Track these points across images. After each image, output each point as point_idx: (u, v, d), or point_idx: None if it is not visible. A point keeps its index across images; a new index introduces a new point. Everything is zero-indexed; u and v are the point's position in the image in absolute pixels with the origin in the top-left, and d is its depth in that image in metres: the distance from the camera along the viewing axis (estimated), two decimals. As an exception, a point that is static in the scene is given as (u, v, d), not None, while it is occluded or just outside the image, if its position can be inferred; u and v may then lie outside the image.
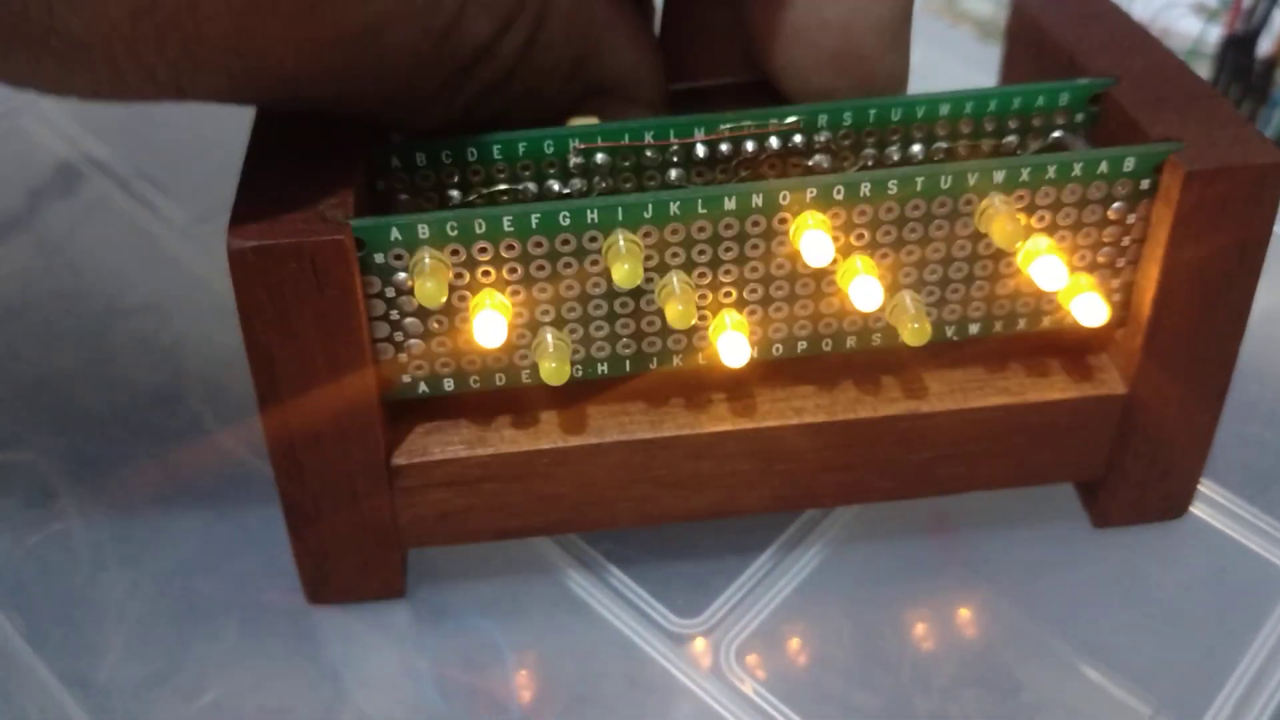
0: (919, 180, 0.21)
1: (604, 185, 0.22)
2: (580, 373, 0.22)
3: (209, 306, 0.30)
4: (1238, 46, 0.37)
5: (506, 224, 0.20)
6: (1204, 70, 0.39)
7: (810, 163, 0.23)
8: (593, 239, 0.20)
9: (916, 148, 0.23)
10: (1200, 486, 0.25)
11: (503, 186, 0.22)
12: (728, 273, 0.21)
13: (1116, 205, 0.21)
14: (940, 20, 0.41)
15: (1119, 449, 0.24)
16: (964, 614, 0.24)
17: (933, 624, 0.24)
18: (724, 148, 0.22)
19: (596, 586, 0.24)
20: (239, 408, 0.28)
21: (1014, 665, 0.23)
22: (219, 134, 0.34)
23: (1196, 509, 0.25)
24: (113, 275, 0.31)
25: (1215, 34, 0.38)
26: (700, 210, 0.20)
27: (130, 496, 0.26)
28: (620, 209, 0.20)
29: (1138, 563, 0.25)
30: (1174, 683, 0.23)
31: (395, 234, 0.20)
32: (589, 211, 0.20)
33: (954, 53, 0.37)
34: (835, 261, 0.21)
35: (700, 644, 0.23)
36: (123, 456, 0.27)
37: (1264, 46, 0.37)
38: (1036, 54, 0.25)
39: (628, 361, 0.22)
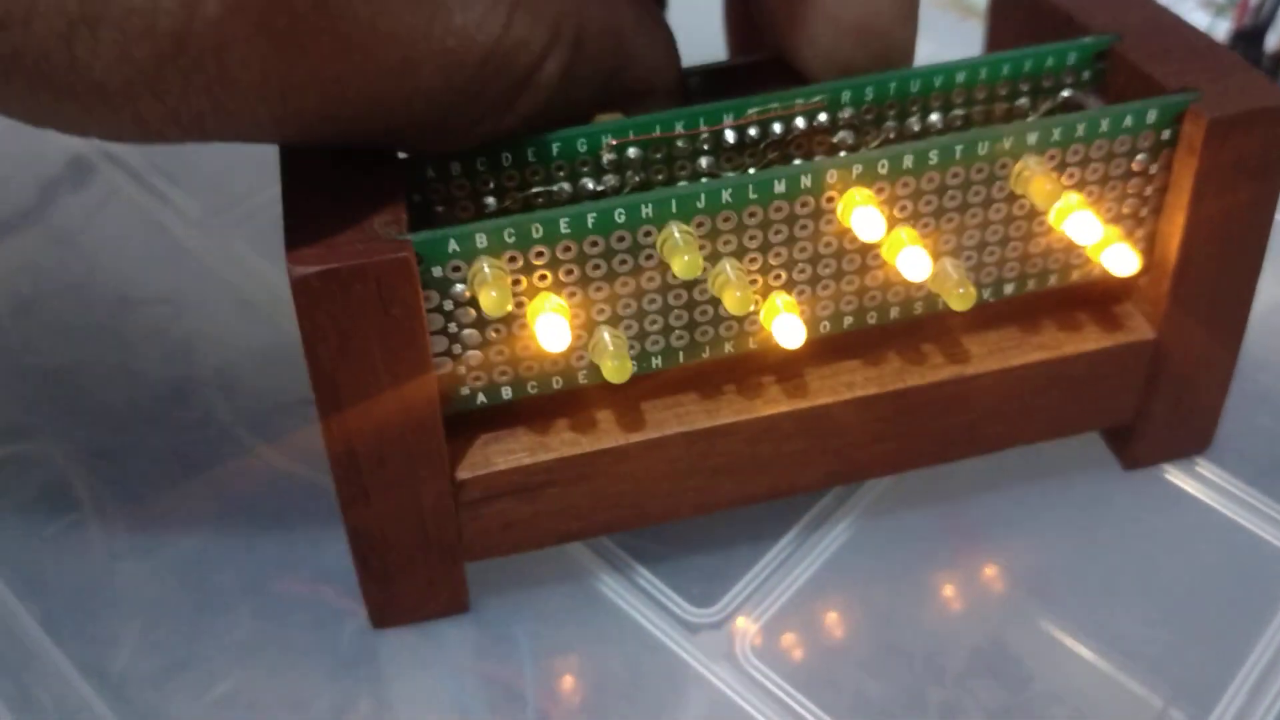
0: (958, 148, 0.21)
1: (637, 179, 0.22)
2: (636, 368, 0.22)
3: (222, 298, 0.30)
4: (1246, 40, 0.37)
5: (564, 226, 0.20)
6: None
7: (835, 139, 0.23)
8: (647, 234, 0.20)
9: (935, 117, 0.23)
10: (1212, 475, 0.26)
11: (538, 189, 0.22)
12: (777, 255, 0.21)
13: (1140, 157, 0.22)
14: (948, 14, 0.41)
15: (1148, 392, 0.24)
16: (976, 603, 0.24)
17: (945, 614, 0.24)
18: (752, 131, 0.22)
19: (617, 581, 0.24)
20: (252, 399, 0.28)
21: (1026, 656, 0.23)
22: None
23: (1208, 498, 0.26)
24: (126, 268, 0.31)
25: (1224, 28, 0.38)
26: (751, 196, 0.20)
27: (145, 488, 0.26)
28: (674, 201, 0.20)
29: (1150, 552, 0.25)
30: (1186, 673, 0.23)
31: (453, 245, 0.19)
32: (643, 206, 0.20)
33: (962, 47, 0.38)
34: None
35: (716, 634, 0.24)
36: (137, 448, 0.27)
37: (1272, 41, 0.37)
38: (1029, 16, 0.25)
39: (681, 353, 0.22)
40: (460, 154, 0.21)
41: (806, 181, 0.20)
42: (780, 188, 0.20)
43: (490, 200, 0.22)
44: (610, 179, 0.22)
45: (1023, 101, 0.24)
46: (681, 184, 0.21)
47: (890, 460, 0.24)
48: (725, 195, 0.20)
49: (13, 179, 0.33)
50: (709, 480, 0.23)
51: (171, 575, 0.25)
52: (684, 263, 0.20)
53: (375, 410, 0.20)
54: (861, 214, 0.20)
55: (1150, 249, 0.23)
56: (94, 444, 0.27)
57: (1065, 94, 0.24)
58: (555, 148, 0.22)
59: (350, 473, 0.21)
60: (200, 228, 0.31)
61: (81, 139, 0.33)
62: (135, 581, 0.24)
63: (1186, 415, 0.25)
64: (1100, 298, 0.24)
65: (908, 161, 0.21)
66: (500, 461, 0.22)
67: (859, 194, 0.21)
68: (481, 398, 0.21)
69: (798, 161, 0.22)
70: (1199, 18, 0.40)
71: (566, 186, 0.22)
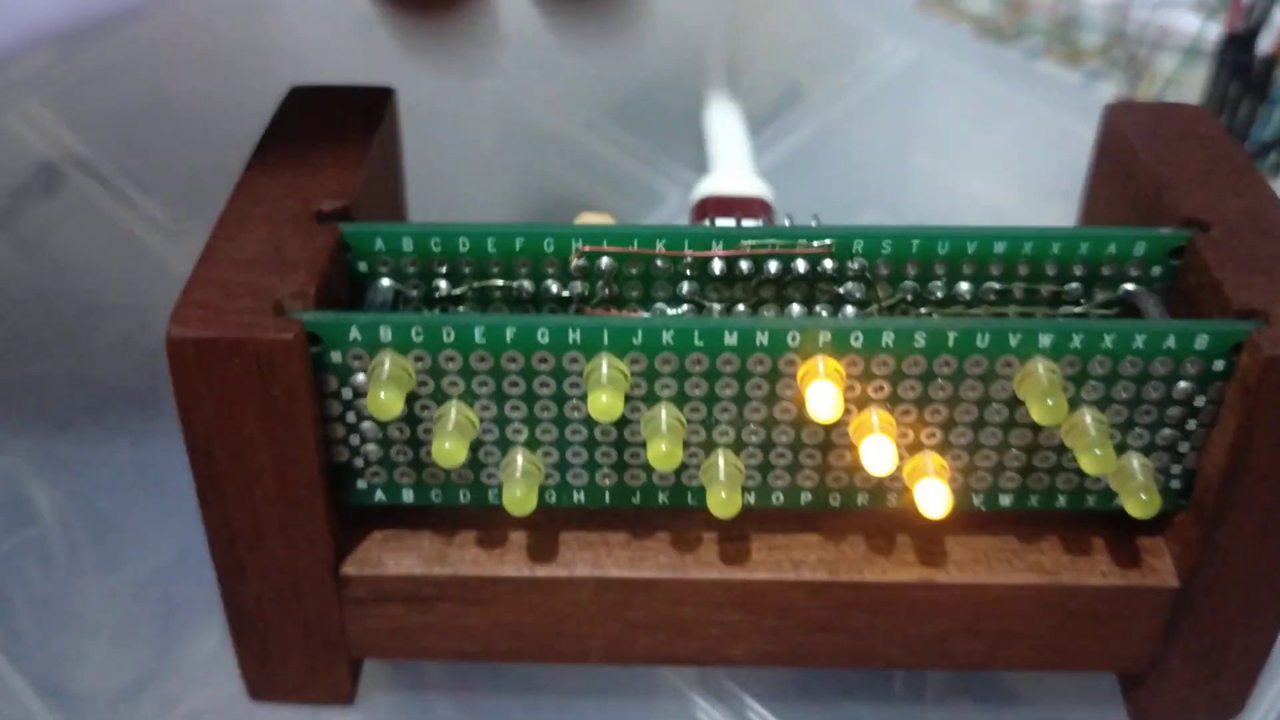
0: (951, 335, 0.18)
1: (607, 291, 0.20)
2: (554, 499, 0.20)
3: None
4: (1237, 44, 0.36)
5: (478, 335, 0.18)
6: (1203, 69, 0.37)
7: (841, 290, 0.20)
8: (574, 360, 0.18)
9: (964, 286, 0.20)
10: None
11: (498, 283, 0.20)
12: (725, 411, 0.19)
13: (1182, 385, 0.19)
14: (937, 17, 0.40)
15: (1167, 645, 0.21)
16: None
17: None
18: (744, 265, 0.20)
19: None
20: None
21: None
22: (201, 132, 0.34)
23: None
24: (94, 275, 0.31)
25: (1215, 31, 0.37)
26: (696, 343, 0.18)
27: (109, 501, 0.26)
28: (606, 332, 0.18)
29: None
30: None
31: (355, 334, 0.18)
32: (570, 331, 0.18)
33: (951, 50, 0.36)
34: (848, 412, 0.19)
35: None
36: (101, 459, 0.27)
37: (1264, 44, 0.36)
38: (1124, 177, 0.22)
39: (607, 493, 0.20)
40: (415, 230, 0.20)
41: (762, 339, 0.18)
42: (731, 340, 0.18)
43: (442, 284, 0.20)
44: (578, 286, 0.20)
45: (1074, 287, 0.20)
46: (617, 315, 0.19)
47: (841, 653, 0.21)
48: (666, 336, 0.18)
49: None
50: (623, 631, 0.21)
51: (135, 591, 0.24)
52: (601, 404, 0.18)
53: (253, 487, 0.19)
54: (818, 388, 0.18)
55: (1189, 486, 0.20)
56: (56, 455, 0.26)
57: (1127, 288, 0.20)
58: (518, 243, 0.20)
59: (226, 546, 0.19)
60: (169, 234, 0.31)
61: (49, 145, 0.33)
62: (98, 597, 0.24)
63: (1213, 677, 0.21)
64: (1127, 524, 0.21)
65: (887, 338, 0.18)
66: (391, 565, 0.20)
67: (824, 364, 0.18)
68: (381, 495, 0.20)
69: (756, 313, 0.20)
70: (1190, 20, 0.39)
71: (528, 285, 0.20)
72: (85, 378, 0.28)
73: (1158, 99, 0.38)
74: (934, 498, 0.19)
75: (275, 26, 0.38)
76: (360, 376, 0.18)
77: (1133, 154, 0.22)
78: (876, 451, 0.18)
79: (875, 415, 0.19)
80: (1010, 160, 0.34)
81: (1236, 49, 0.36)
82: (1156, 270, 0.20)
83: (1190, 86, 0.39)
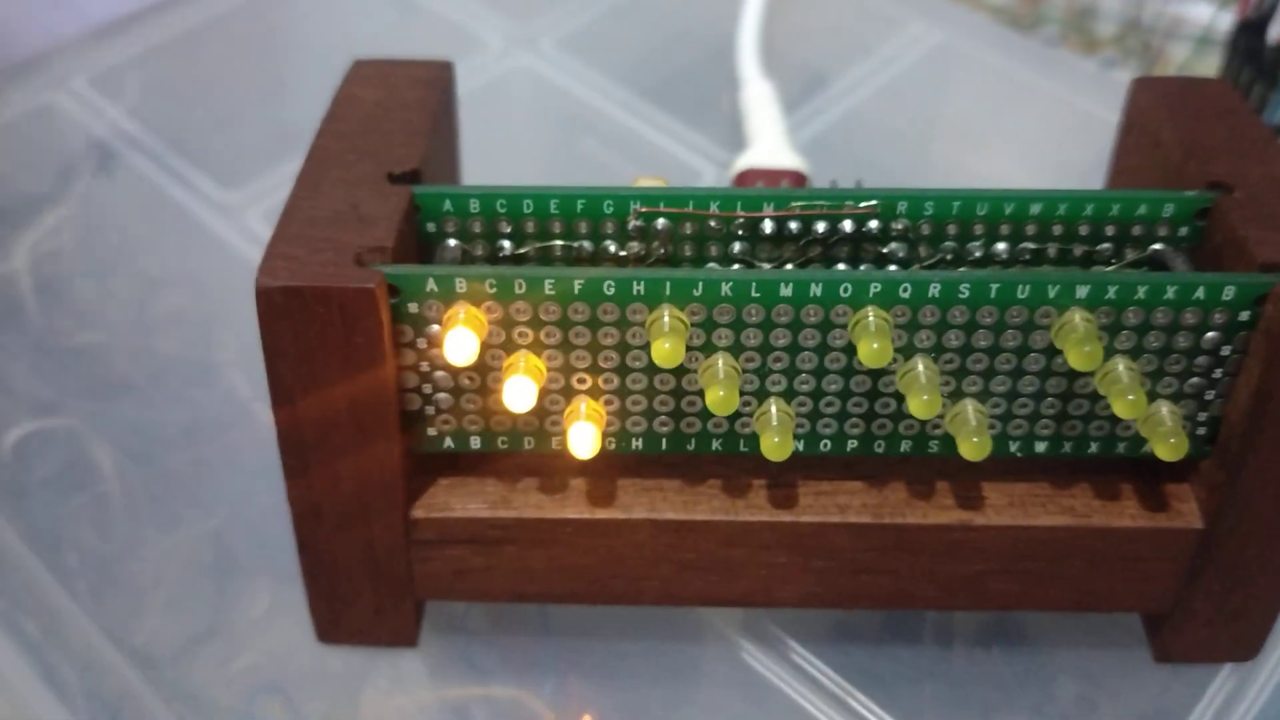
0: (994, 287, 0.19)
1: (663, 251, 0.21)
2: (614, 445, 0.21)
3: (242, 280, 0.30)
4: (1249, 32, 0.36)
5: (548, 287, 0.19)
6: (1216, 57, 0.39)
7: (885, 250, 0.21)
8: (636, 312, 0.19)
9: (1001, 246, 0.21)
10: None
11: (558, 243, 0.21)
12: (778, 360, 0.20)
13: (1210, 335, 0.20)
14: (959, 5, 0.41)
15: (1190, 585, 0.22)
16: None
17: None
18: (793, 225, 0.21)
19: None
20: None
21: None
22: (251, 108, 0.35)
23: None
24: (148, 250, 0.32)
25: (1227, 20, 0.38)
26: (754, 294, 0.19)
27: (168, 462, 0.27)
28: (668, 283, 0.19)
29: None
30: None
31: (431, 285, 0.19)
32: (635, 283, 0.19)
33: (972, 38, 0.37)
34: (895, 361, 0.20)
35: None
36: (160, 423, 0.28)
37: (1275, 32, 0.36)
38: (1151, 146, 0.23)
39: (664, 440, 0.21)
40: (481, 192, 0.21)
41: (816, 290, 0.19)
42: (786, 291, 0.19)
43: (506, 244, 0.21)
44: (635, 246, 0.21)
45: (1105, 247, 0.21)
46: (681, 269, 0.20)
47: (885, 594, 0.22)
48: (725, 288, 0.19)
49: (36, 164, 0.34)
50: (676, 572, 0.22)
51: (194, 547, 0.25)
52: (664, 350, 0.19)
53: (333, 433, 0.20)
54: (869, 337, 0.19)
55: (1215, 433, 0.21)
56: (118, 418, 0.28)
57: (1155, 247, 0.21)
58: (580, 204, 0.21)
59: (303, 490, 0.20)
60: (220, 209, 0.32)
61: (100, 124, 0.34)
62: (158, 552, 0.25)
63: (1233, 618, 0.22)
64: (1155, 471, 0.22)
65: (934, 290, 0.19)
66: (458, 508, 0.21)
67: (873, 314, 0.19)
68: (449, 443, 0.21)
69: (814, 268, 0.21)
70: (1203, 10, 0.40)
71: (587, 245, 0.21)
72: (142, 347, 0.29)
73: (1172, 85, 0.39)
74: (977, 446, 0.20)
75: (320, 10, 0.39)
76: (435, 327, 0.19)
77: (1159, 124, 0.23)
78: (924, 398, 0.19)
79: (921, 363, 0.20)
80: (1032, 142, 0.35)
81: (1249, 36, 0.37)
82: (1184, 231, 0.21)
83: (1203, 74, 0.40)
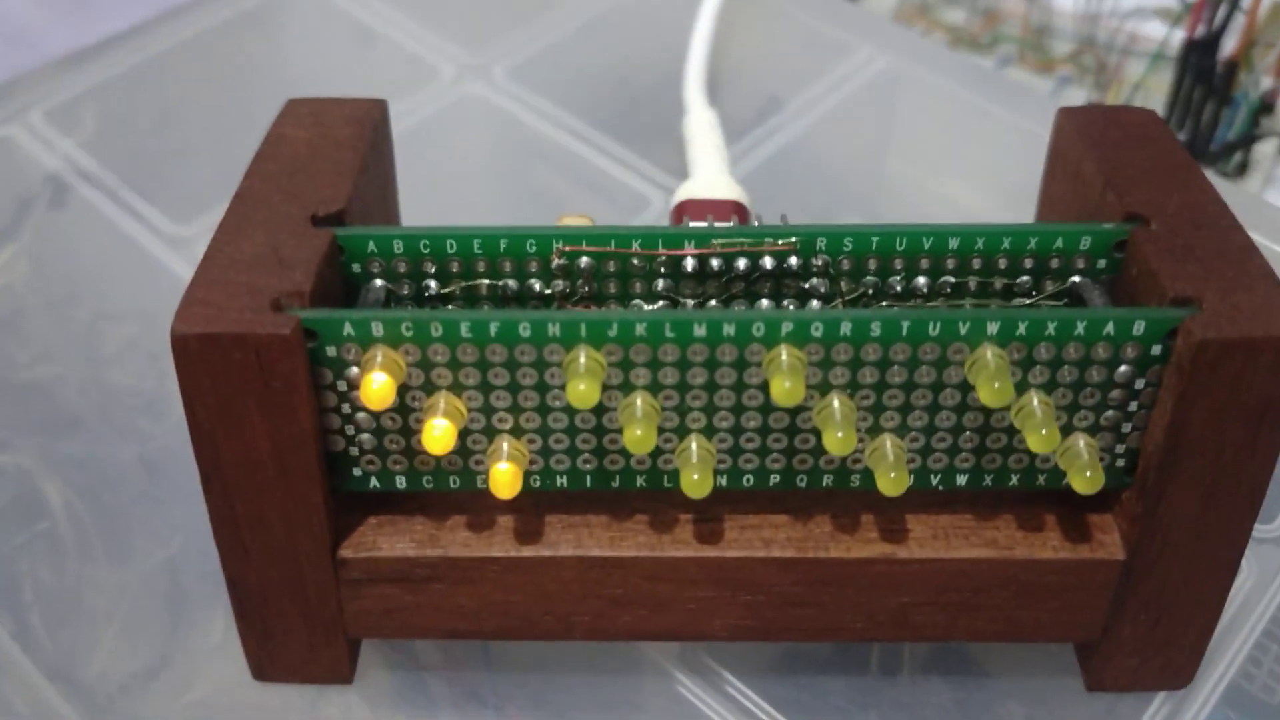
0: (905, 324, 0.19)
1: (587, 289, 0.21)
2: (538, 483, 0.21)
3: None
4: (1200, 49, 0.37)
5: (464, 330, 0.19)
6: (1170, 73, 0.39)
7: (807, 285, 0.22)
8: (553, 352, 0.19)
9: (921, 280, 0.22)
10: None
11: (484, 282, 0.21)
12: (696, 398, 0.20)
13: (1123, 369, 0.20)
14: (913, 28, 0.42)
15: (1116, 615, 0.22)
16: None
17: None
18: (715, 263, 0.21)
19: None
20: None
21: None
22: (205, 141, 0.35)
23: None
24: (101, 284, 0.32)
25: (1180, 38, 0.39)
26: (669, 334, 0.19)
27: (118, 496, 0.27)
28: (584, 325, 0.19)
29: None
30: None
31: (349, 329, 0.19)
32: (550, 324, 0.19)
33: (925, 61, 0.38)
34: (810, 398, 0.20)
35: None
36: (110, 458, 0.28)
37: (1227, 48, 0.38)
38: (1073, 177, 0.24)
39: (588, 477, 0.21)
40: (404, 234, 0.21)
41: (729, 330, 0.19)
42: (700, 331, 0.19)
43: (432, 283, 0.21)
44: (560, 284, 0.21)
45: (1024, 280, 0.22)
46: (597, 310, 0.20)
47: (809, 627, 0.22)
48: (640, 328, 0.19)
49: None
50: (605, 608, 0.22)
51: (144, 581, 0.25)
52: (579, 391, 0.19)
53: (256, 475, 0.20)
54: (781, 376, 0.19)
55: (1133, 464, 0.21)
56: (66, 454, 0.28)
57: (1074, 280, 0.22)
58: (503, 244, 0.21)
59: (229, 527, 0.21)
60: (173, 243, 0.32)
61: (55, 158, 0.34)
62: (108, 587, 0.25)
63: (1163, 646, 0.23)
64: (1078, 502, 0.22)
65: (845, 329, 0.19)
66: (385, 547, 0.21)
67: (786, 353, 0.19)
68: (375, 483, 0.21)
69: (728, 307, 0.21)
70: (1156, 28, 0.41)
71: (512, 283, 0.21)
72: (94, 380, 0.29)
73: (1126, 103, 0.39)
74: (894, 481, 0.20)
75: (276, 41, 0.40)
76: (354, 369, 0.20)
77: (1080, 155, 0.23)
78: (839, 435, 0.20)
79: (836, 401, 0.20)
80: (982, 165, 0.35)
81: (1200, 54, 0.38)
82: (1101, 263, 0.22)
83: (1157, 91, 0.40)
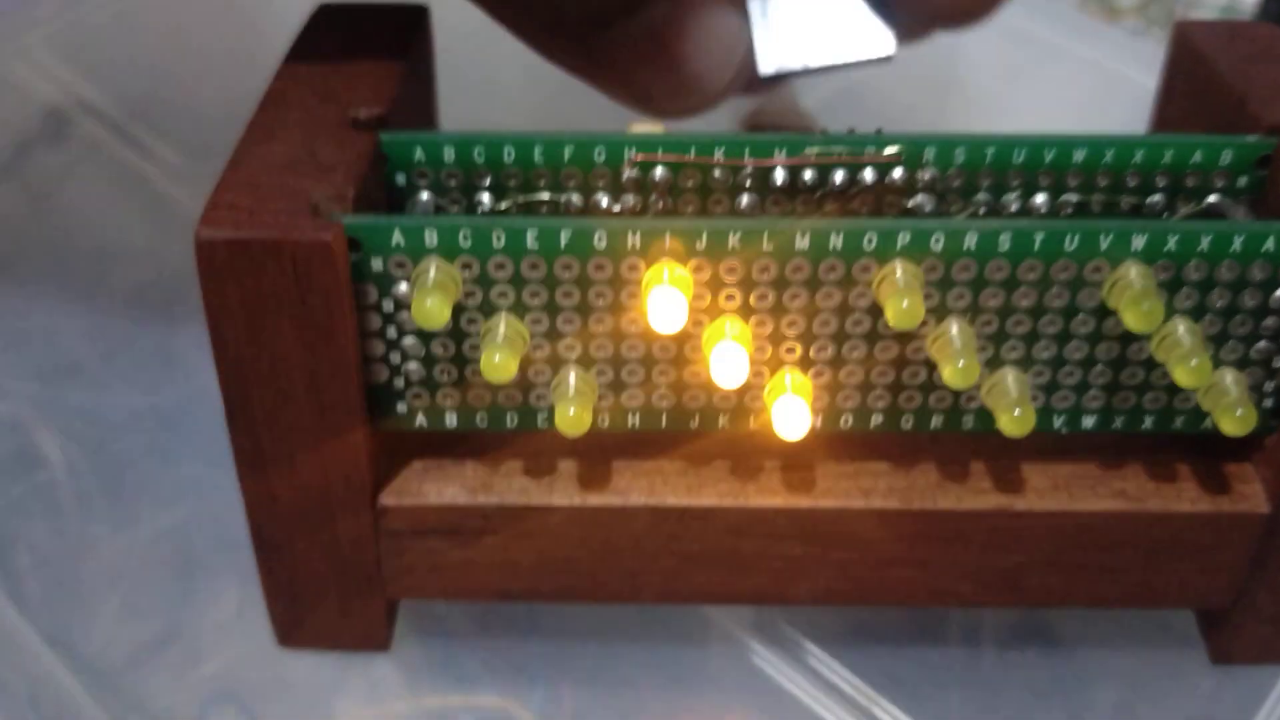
0: (1038, 237, 0.17)
1: (661, 206, 0.19)
2: (606, 422, 0.18)
3: None
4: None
5: (530, 240, 0.17)
6: None
7: (910, 204, 0.19)
8: (632, 267, 0.17)
9: (1040, 198, 0.19)
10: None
11: (544, 196, 0.19)
12: (792, 324, 0.17)
13: (1280, 293, 0.17)
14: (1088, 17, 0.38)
15: (1254, 577, 0.20)
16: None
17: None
18: (808, 175, 0.19)
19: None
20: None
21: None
22: (215, 72, 0.33)
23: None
24: (105, 223, 0.30)
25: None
26: (765, 246, 0.17)
27: (123, 450, 0.25)
28: (668, 234, 0.17)
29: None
30: None
31: (398, 238, 0.17)
32: (630, 234, 0.17)
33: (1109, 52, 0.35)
34: (925, 324, 0.17)
35: None
36: (114, 407, 0.25)
37: None
38: (1201, 92, 0.21)
39: (664, 415, 0.18)
40: (457, 139, 0.19)
41: (836, 242, 0.17)
42: (802, 243, 0.17)
43: (485, 198, 0.19)
44: (630, 200, 0.19)
45: (1156, 199, 0.19)
46: (681, 217, 0.18)
47: (908, 590, 0.20)
48: (733, 239, 0.17)
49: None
50: (679, 566, 0.19)
51: (152, 543, 0.23)
52: (663, 309, 0.16)
53: (288, 410, 0.17)
54: (898, 295, 0.17)
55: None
56: (65, 402, 0.25)
57: (1212, 199, 0.19)
58: (567, 152, 0.19)
59: (255, 474, 0.18)
60: (182, 179, 0.30)
61: (57, 91, 0.32)
62: (112, 549, 0.23)
63: (1301, 615, 0.20)
64: (1214, 449, 0.19)
65: (970, 242, 0.17)
66: (432, 494, 0.19)
67: (902, 269, 0.17)
68: (422, 420, 0.18)
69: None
70: None
71: (576, 199, 0.19)
72: (97, 325, 0.27)
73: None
74: (1018, 420, 0.17)
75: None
76: (403, 286, 0.17)
77: (1210, 68, 0.21)
78: (959, 364, 0.17)
79: (955, 326, 0.17)
80: (1058, 103, 0.33)
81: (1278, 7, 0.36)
82: (1243, 181, 0.19)
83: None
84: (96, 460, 0.24)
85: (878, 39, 0.20)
